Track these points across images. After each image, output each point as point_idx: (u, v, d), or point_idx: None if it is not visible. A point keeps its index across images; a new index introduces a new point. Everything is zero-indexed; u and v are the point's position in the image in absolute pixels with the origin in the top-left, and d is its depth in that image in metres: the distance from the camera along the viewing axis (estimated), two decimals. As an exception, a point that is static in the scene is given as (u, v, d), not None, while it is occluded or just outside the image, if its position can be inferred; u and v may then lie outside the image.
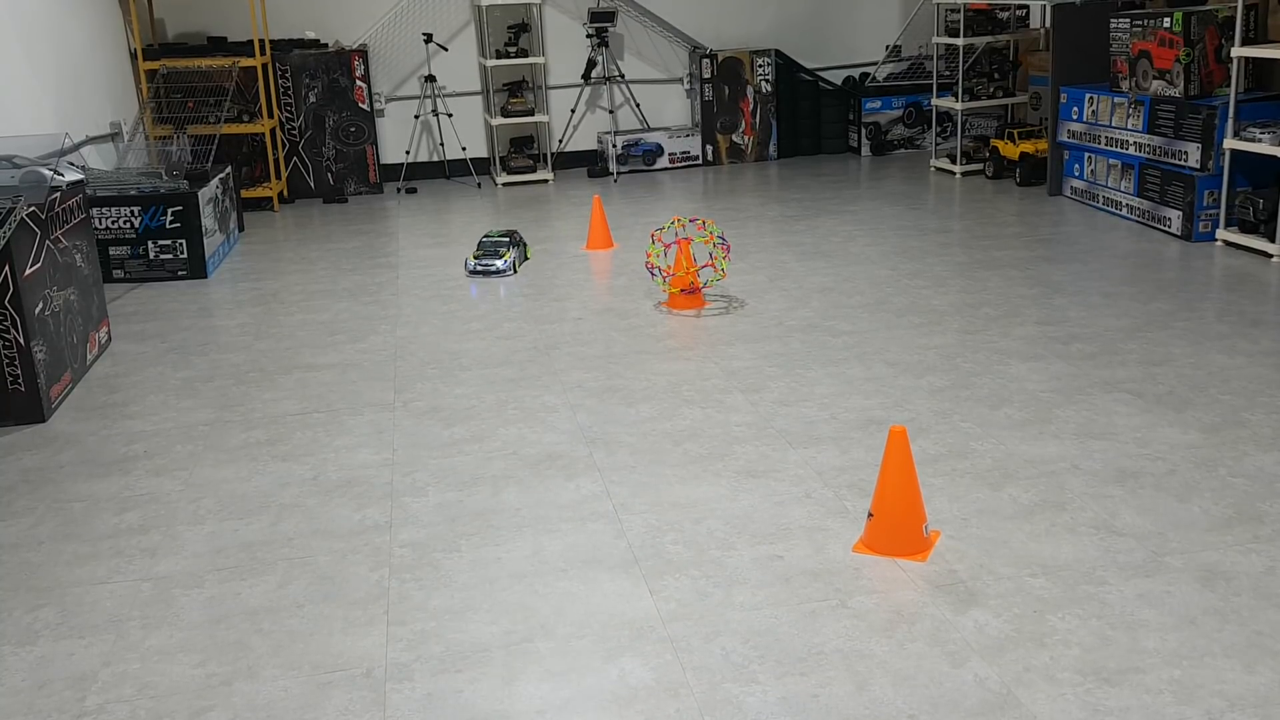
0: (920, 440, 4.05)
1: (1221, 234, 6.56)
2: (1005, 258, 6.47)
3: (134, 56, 8.54)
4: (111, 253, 6.73)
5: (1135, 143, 7.12)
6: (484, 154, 9.98)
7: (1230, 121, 6.38)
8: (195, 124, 8.52)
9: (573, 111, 10.04)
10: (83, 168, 6.50)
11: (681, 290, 5.77)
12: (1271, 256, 6.20)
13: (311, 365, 5.19)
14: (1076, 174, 7.84)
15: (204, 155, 7.69)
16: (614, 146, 9.74)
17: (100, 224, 6.67)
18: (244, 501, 3.81)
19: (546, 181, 9.59)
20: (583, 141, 10.14)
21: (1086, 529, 3.37)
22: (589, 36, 9.70)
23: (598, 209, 7.17)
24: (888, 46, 10.29)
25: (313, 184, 9.32)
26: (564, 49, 9.89)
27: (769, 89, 10.03)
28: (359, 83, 9.18)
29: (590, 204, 8.52)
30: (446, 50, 9.68)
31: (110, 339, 5.66)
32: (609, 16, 9.49)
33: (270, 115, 9.00)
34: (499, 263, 6.41)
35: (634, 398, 4.59)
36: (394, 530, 3.56)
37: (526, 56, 9.38)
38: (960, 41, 8.80)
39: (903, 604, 3.01)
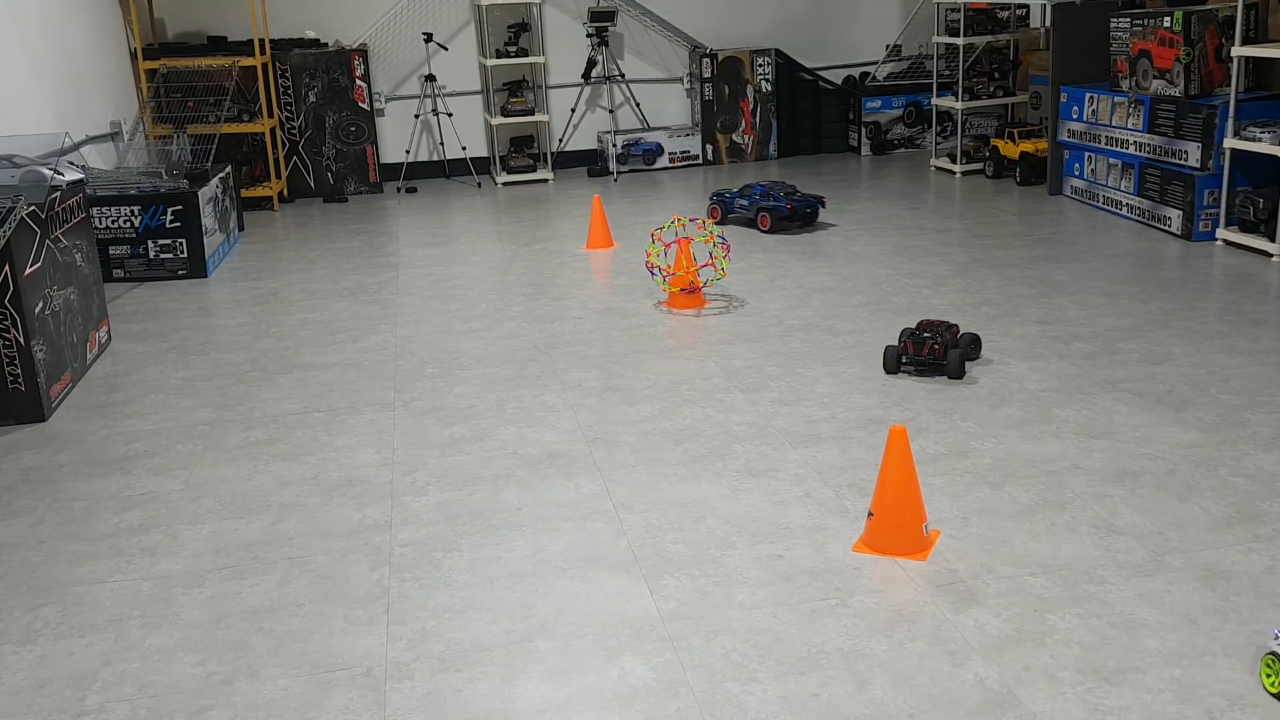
0: (920, 439, 4.05)
1: (1221, 233, 6.56)
2: (1005, 257, 6.47)
3: (134, 56, 8.54)
4: (111, 252, 6.73)
5: (1135, 142, 7.12)
6: (484, 153, 9.97)
7: (1230, 121, 6.37)
8: (195, 123, 8.52)
9: (573, 111, 10.03)
10: (83, 167, 6.50)
11: (681, 290, 5.77)
12: (1271, 256, 6.19)
13: (311, 365, 5.19)
14: (1077, 173, 7.84)
15: (204, 155, 7.69)
16: (614, 146, 9.73)
17: (100, 223, 6.67)
18: (244, 501, 3.81)
19: (546, 181, 9.59)
20: (583, 141, 10.14)
21: (1087, 528, 3.37)
22: (589, 36, 9.70)
23: (598, 208, 7.17)
24: (888, 46, 10.29)
25: (313, 183, 9.31)
26: (564, 48, 9.88)
27: (769, 88, 10.02)
28: (359, 82, 9.18)
29: (590, 203, 8.52)
30: (446, 50, 9.67)
31: (110, 338, 5.66)
32: (609, 16, 9.48)
33: (270, 115, 9.00)
34: None
35: (634, 397, 4.59)
36: (394, 529, 3.56)
37: (526, 56, 9.38)
38: (960, 41, 8.79)
39: (903, 603, 3.01)
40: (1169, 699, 2.58)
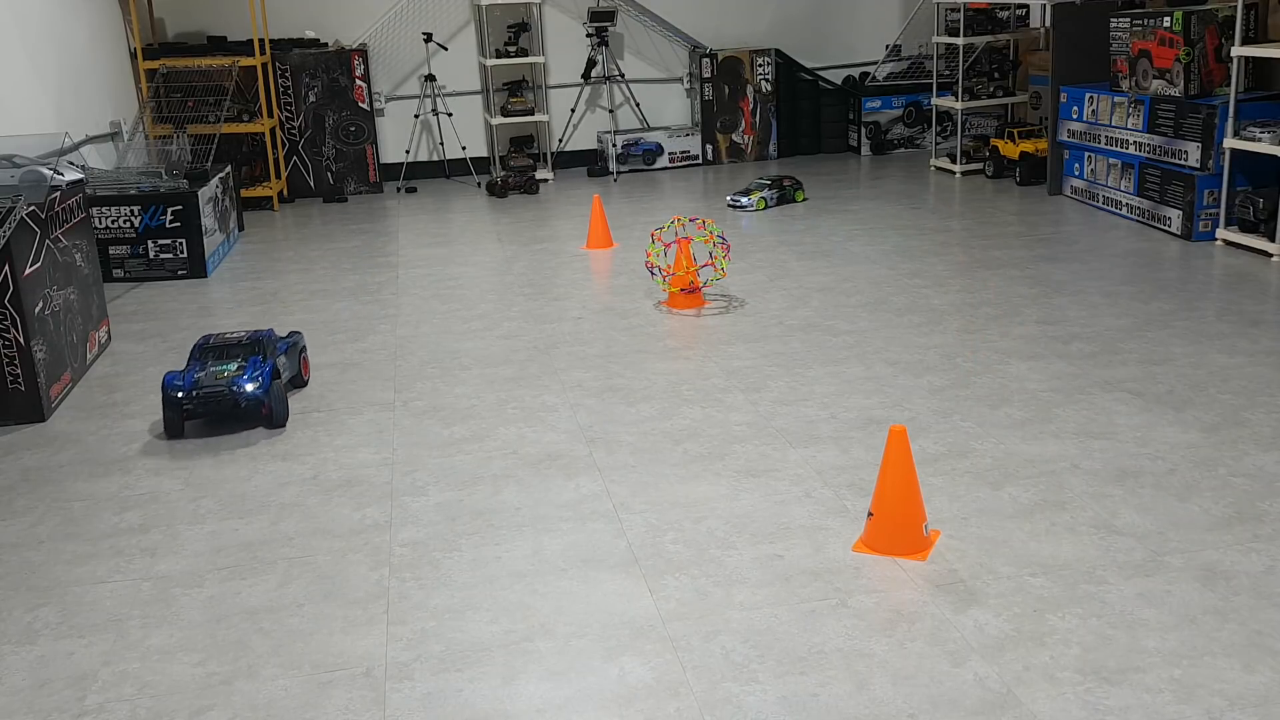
0: (920, 439, 4.05)
1: (1221, 233, 6.56)
2: (1005, 257, 6.47)
3: (134, 56, 8.54)
4: (111, 252, 6.73)
5: (1135, 142, 7.12)
6: (484, 153, 9.97)
7: (1230, 121, 6.37)
8: (195, 123, 8.52)
9: (572, 111, 10.04)
10: (83, 167, 6.50)
11: (681, 289, 5.77)
12: (1271, 256, 6.19)
13: (311, 364, 5.18)
14: (1076, 173, 7.84)
15: (204, 155, 7.69)
16: (614, 146, 9.73)
17: (100, 223, 6.67)
18: (244, 501, 3.81)
19: (546, 180, 9.59)
20: (582, 141, 10.14)
21: (1086, 528, 3.37)
22: (589, 36, 9.70)
23: (597, 208, 7.17)
24: (888, 46, 10.29)
25: (313, 183, 9.31)
26: (564, 48, 9.88)
27: (769, 88, 10.03)
28: (359, 82, 9.18)
29: (590, 203, 8.52)
30: (446, 50, 9.67)
31: (110, 338, 5.66)
32: (609, 16, 9.48)
33: (270, 115, 9.00)
34: (745, 199, 7.99)
35: (634, 397, 4.59)
36: (394, 529, 3.56)
37: (526, 56, 9.38)
38: (960, 41, 8.79)
39: (903, 603, 3.01)
40: (1169, 699, 2.58)
